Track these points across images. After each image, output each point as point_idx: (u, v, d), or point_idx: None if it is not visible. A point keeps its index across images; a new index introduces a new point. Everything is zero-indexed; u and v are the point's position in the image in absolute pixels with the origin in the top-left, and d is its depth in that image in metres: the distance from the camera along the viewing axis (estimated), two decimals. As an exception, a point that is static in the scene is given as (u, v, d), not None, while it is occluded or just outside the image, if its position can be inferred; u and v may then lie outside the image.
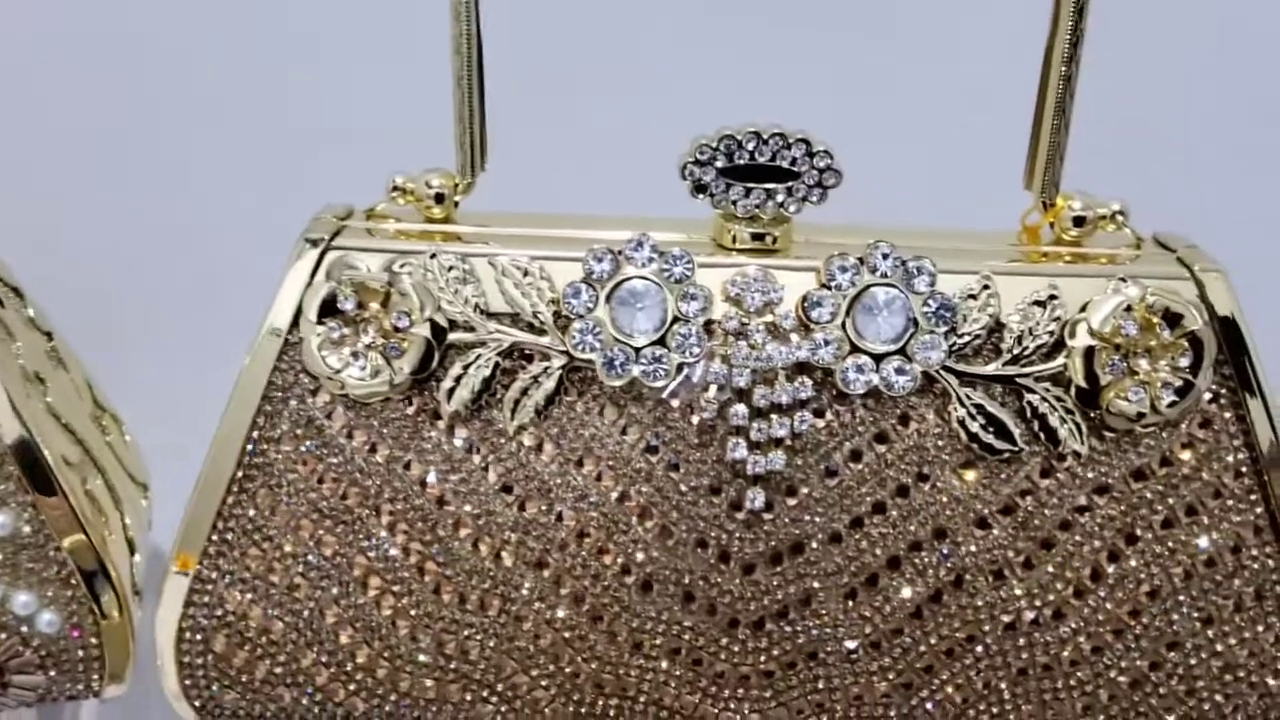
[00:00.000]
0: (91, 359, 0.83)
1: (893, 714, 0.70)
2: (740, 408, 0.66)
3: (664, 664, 0.69)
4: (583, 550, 0.68)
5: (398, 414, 0.68)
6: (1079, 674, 0.70)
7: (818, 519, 0.68)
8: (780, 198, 0.68)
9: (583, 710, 0.70)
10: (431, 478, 0.68)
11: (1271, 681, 0.70)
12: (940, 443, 0.68)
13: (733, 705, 0.70)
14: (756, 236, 0.69)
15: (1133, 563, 0.69)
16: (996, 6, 1.03)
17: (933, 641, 0.69)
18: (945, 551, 0.68)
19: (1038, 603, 0.69)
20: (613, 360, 0.66)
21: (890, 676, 0.69)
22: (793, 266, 0.68)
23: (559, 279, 0.67)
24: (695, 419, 0.67)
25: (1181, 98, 1.12)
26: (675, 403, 0.67)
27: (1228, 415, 0.69)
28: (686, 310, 0.66)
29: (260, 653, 0.71)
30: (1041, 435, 0.68)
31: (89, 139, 1.12)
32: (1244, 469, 0.69)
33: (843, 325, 0.66)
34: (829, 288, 0.67)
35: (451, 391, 0.67)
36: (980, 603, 0.69)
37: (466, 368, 0.67)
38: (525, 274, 0.68)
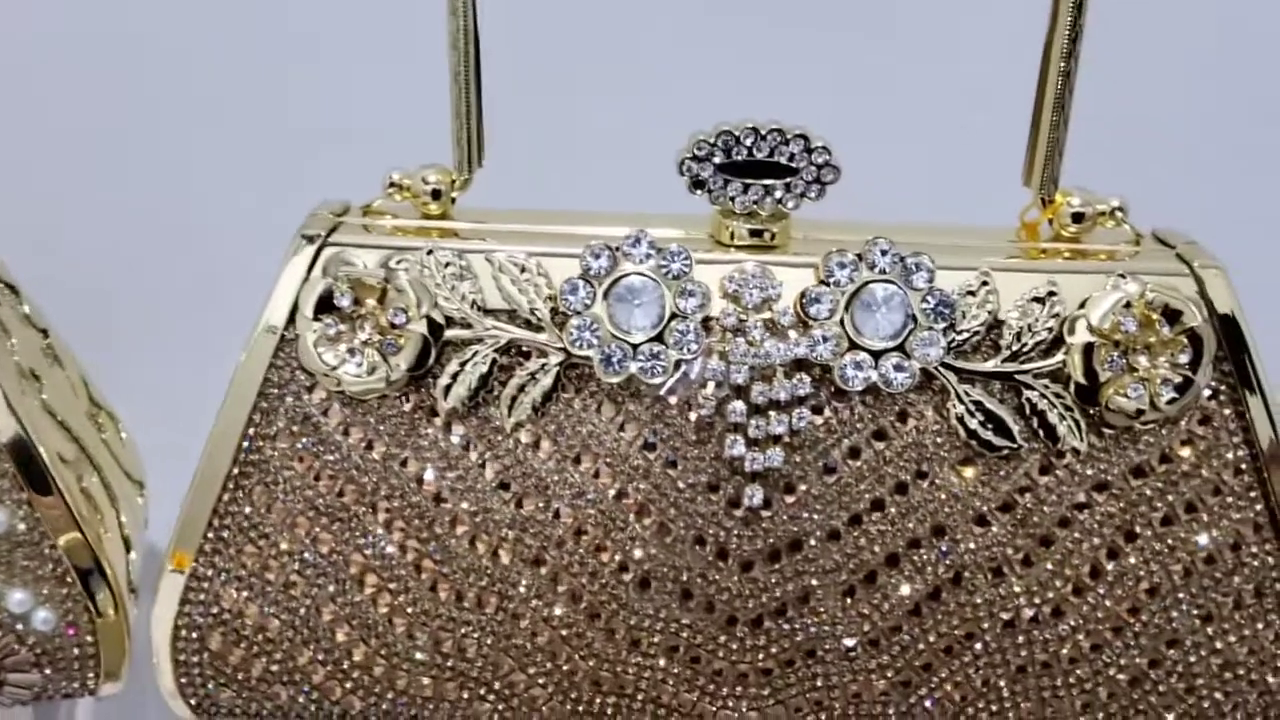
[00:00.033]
0: (88, 356, 0.83)
1: (891, 712, 0.70)
2: (738, 404, 0.66)
3: (662, 662, 0.69)
4: (580, 547, 0.68)
5: (394, 411, 0.68)
6: (1078, 671, 0.69)
7: (816, 516, 0.67)
8: (778, 194, 0.67)
9: (580, 708, 0.70)
10: (428, 475, 0.68)
11: (1271, 679, 0.70)
12: (939, 440, 0.68)
13: (731, 703, 0.70)
14: (755, 233, 0.69)
15: (1132, 560, 0.69)
16: (995, 3, 1.03)
17: (931, 639, 0.69)
18: (944, 549, 0.68)
19: (1037, 600, 0.68)
20: (610, 357, 0.66)
21: (889, 674, 0.69)
22: (791, 263, 0.68)
23: (556, 275, 0.67)
24: (693, 416, 0.67)
25: (1181, 94, 1.12)
26: (673, 399, 0.67)
27: (1227, 412, 0.68)
28: (684, 307, 0.66)
29: (256, 650, 0.70)
30: (1040, 432, 0.67)
31: (85, 137, 1.12)
32: (1243, 466, 0.69)
33: (841, 322, 0.66)
34: (827, 284, 0.66)
35: (448, 388, 0.67)
36: (979, 600, 0.68)
37: (463, 364, 0.67)
38: (522, 270, 0.68)
